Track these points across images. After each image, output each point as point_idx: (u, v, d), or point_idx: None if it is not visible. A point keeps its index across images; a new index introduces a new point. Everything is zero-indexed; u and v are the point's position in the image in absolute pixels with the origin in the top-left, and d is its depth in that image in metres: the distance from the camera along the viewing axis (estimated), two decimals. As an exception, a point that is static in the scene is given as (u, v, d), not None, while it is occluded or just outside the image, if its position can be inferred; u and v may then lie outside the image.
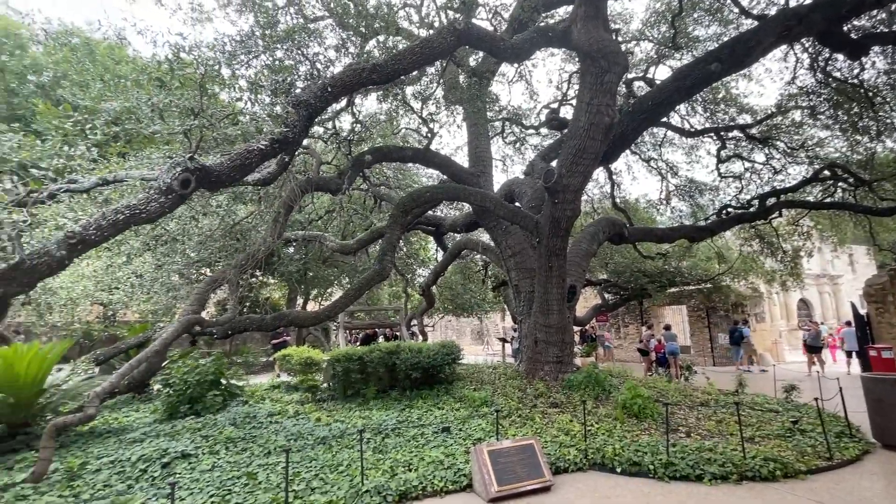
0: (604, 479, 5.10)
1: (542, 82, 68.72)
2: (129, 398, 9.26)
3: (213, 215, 8.73)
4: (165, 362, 9.10)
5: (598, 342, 19.06)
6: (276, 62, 6.40)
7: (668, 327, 14.44)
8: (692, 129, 12.36)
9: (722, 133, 12.23)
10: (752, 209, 12.14)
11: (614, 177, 14.06)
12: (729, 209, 12.62)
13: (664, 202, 14.93)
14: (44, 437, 5.00)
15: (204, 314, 9.57)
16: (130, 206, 3.91)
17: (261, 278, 14.72)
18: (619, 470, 5.23)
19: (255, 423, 6.89)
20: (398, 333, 17.73)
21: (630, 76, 11.46)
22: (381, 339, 18.76)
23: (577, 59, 12.18)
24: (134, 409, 8.38)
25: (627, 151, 12.92)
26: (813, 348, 14.20)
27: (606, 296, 16.26)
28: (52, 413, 6.71)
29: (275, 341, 15.65)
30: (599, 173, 14.56)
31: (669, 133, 13.34)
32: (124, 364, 6.71)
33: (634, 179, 32.16)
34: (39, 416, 6.71)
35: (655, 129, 13.25)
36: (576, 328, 13.17)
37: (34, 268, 3.52)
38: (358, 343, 18.54)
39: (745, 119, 11.71)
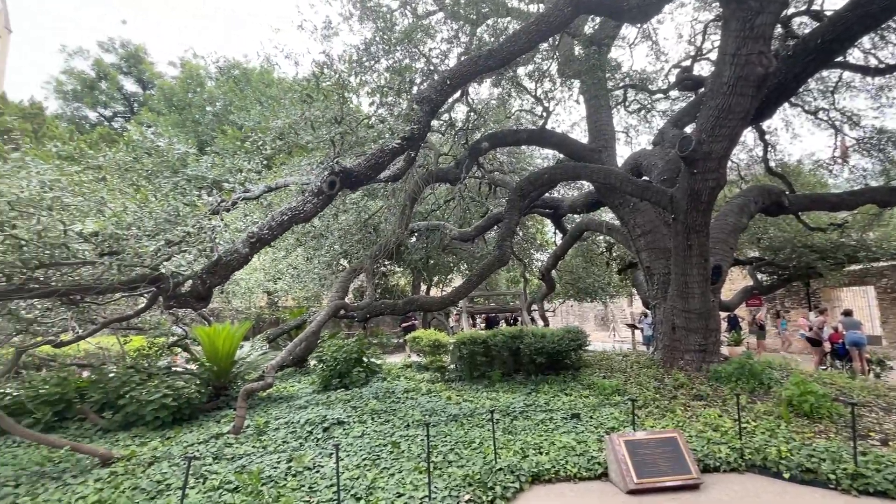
0: (766, 484, 4.50)
1: (670, 39, 60.82)
2: (292, 371, 10.95)
3: (351, 211, 9.76)
4: (319, 341, 10.52)
5: (764, 330, 16.51)
6: (396, 63, 6.81)
7: (847, 313, 11.87)
8: (882, 66, 9.80)
9: (929, 64, 9.47)
10: (980, 159, 9.27)
11: (767, 136, 11.93)
12: (942, 162, 9.83)
13: (839, 161, 12.21)
14: (238, 399, 6.24)
15: (346, 300, 10.81)
16: (292, 208, 4.64)
17: (390, 267, 16.02)
18: (786, 475, 4.57)
19: (394, 398, 7.60)
20: (519, 318, 17.77)
21: (787, 12, 9.50)
22: (502, 324, 19.02)
23: (714, 5, 10.58)
24: (297, 380, 9.88)
25: (785, 105, 10.81)
26: None
27: (759, 276, 14.00)
28: (242, 381, 8.31)
29: (404, 324, 17.01)
30: (747, 134, 12.47)
31: (846, 75, 10.78)
32: (287, 342, 8.01)
33: (795, 137, 26.58)
34: (233, 383, 8.36)
35: (825, 73, 10.84)
36: (722, 314, 11.64)
37: (228, 263, 4.42)
38: (481, 327, 19.11)
39: (968, 41, 8.89)
